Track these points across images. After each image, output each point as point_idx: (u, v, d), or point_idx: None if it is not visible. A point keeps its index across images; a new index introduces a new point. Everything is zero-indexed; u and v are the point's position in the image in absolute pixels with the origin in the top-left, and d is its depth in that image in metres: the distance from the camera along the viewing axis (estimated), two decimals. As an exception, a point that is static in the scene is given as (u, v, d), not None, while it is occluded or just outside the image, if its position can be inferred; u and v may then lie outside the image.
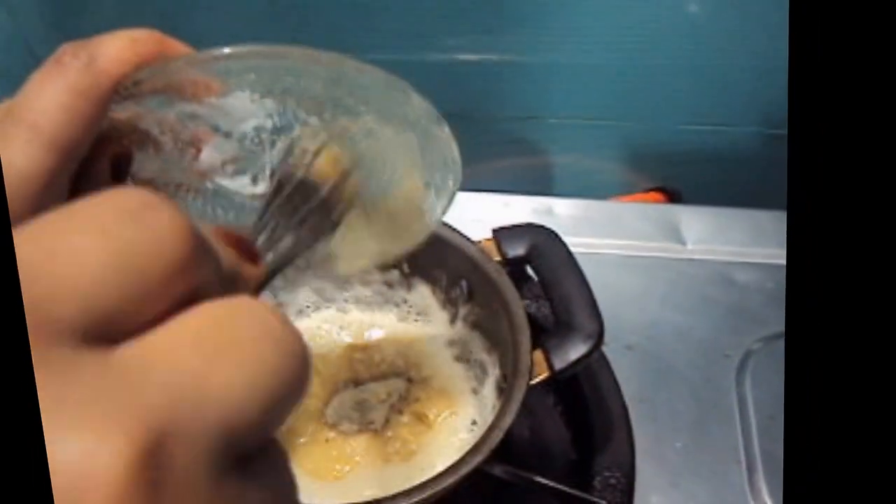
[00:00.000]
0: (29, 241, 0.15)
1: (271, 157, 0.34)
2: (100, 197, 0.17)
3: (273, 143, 0.33)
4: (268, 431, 0.17)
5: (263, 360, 0.17)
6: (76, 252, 0.15)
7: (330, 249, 0.35)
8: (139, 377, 0.15)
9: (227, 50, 0.27)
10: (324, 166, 0.33)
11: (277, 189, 0.32)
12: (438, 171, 0.33)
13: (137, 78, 0.28)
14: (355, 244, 0.36)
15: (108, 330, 0.15)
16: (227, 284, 0.20)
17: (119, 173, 0.33)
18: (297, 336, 0.18)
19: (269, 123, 0.32)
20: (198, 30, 0.73)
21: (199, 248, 0.17)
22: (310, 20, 0.75)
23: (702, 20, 0.73)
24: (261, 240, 0.30)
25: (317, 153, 0.32)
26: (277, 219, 0.32)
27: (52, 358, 0.14)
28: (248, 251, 0.23)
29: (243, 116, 0.32)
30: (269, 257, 0.29)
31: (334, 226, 0.34)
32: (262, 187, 0.36)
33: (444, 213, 0.36)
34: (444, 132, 0.31)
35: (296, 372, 0.17)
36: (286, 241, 0.31)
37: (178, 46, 0.29)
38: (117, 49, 0.27)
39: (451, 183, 0.34)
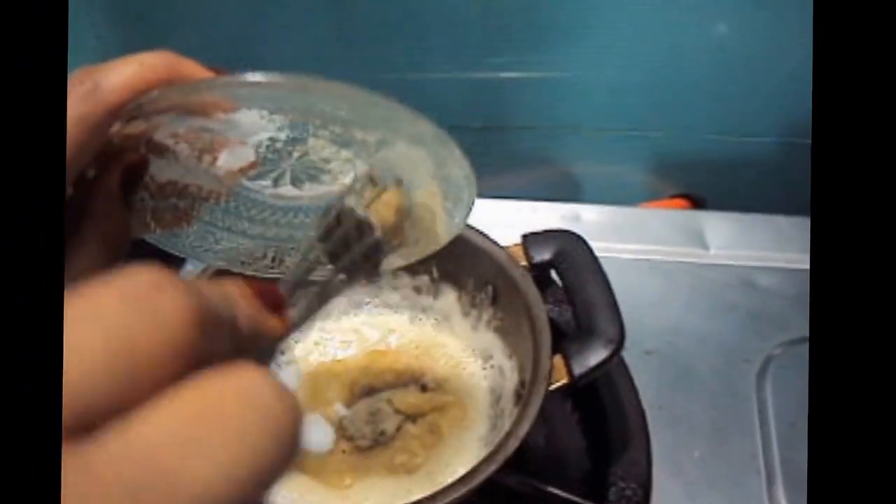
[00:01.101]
0: None
1: (290, 164, 0.34)
2: (108, 280, 0.17)
3: (290, 153, 0.33)
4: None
5: (247, 445, 0.16)
6: (69, 346, 0.15)
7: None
8: (113, 477, 0.15)
9: (231, 78, 0.27)
10: (380, 209, 0.33)
11: (330, 228, 0.32)
12: (453, 185, 0.33)
13: (140, 102, 0.28)
14: None
15: (92, 419, 0.15)
16: (248, 342, 0.20)
17: (130, 183, 0.33)
18: (289, 408, 0.17)
19: (281, 136, 0.32)
20: (262, 47, 0.78)
21: (203, 326, 0.17)
22: (362, 44, 0.79)
23: (728, 38, 0.74)
24: (296, 279, 0.29)
25: (376, 196, 0.33)
26: (323, 258, 0.32)
27: None
28: (273, 303, 0.23)
29: (254, 130, 0.31)
30: (303, 303, 0.29)
31: (375, 270, 0.34)
32: (284, 189, 0.36)
33: (463, 221, 0.35)
34: (455, 153, 0.30)
35: (282, 448, 0.17)
36: (324, 284, 0.31)
37: (191, 67, 0.29)
38: (124, 76, 0.28)
39: (466, 196, 0.34)
